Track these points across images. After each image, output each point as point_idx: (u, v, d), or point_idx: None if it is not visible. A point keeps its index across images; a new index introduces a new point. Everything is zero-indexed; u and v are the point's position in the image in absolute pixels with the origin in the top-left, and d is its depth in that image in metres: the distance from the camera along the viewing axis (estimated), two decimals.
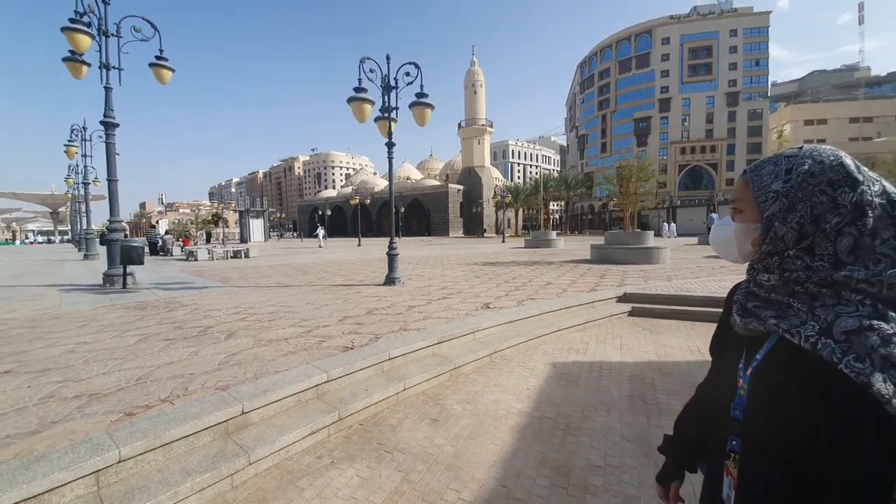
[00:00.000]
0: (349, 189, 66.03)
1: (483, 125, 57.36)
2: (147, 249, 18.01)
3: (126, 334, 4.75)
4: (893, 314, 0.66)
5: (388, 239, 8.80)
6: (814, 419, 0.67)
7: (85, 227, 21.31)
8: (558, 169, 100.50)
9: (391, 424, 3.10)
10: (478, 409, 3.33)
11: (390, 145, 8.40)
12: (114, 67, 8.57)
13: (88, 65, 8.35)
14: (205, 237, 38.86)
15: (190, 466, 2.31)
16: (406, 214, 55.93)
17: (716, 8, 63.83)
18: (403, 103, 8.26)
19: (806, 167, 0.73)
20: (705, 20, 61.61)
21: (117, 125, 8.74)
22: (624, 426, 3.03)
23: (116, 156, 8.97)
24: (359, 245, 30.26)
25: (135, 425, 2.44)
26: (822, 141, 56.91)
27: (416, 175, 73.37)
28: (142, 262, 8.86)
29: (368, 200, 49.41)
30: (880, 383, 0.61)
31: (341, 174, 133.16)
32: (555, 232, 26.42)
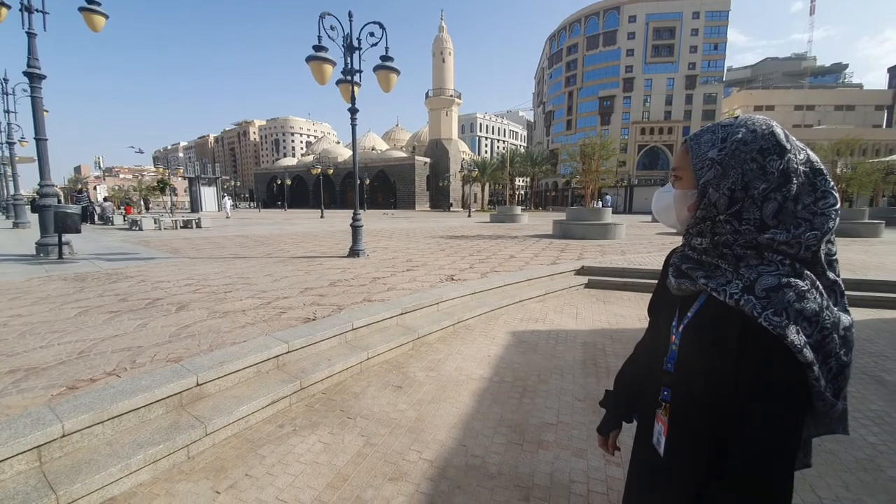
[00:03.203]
0: (310, 158, 63.11)
1: (451, 96, 56.06)
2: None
3: (65, 306, 4.42)
4: (809, 273, 0.73)
5: (352, 211, 8.58)
6: (736, 369, 0.74)
7: (13, 192, 19.19)
8: (525, 144, 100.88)
9: (354, 392, 3.13)
10: (440, 376, 3.43)
11: (353, 111, 8.05)
12: (37, 10, 7.60)
13: (8, 7, 7.35)
14: (143, 205, 36.03)
15: (142, 439, 2.24)
16: (371, 186, 54.61)
17: None
18: (367, 66, 7.91)
19: (740, 135, 0.76)
20: (670, 0, 62.43)
21: (43, 77, 7.83)
22: (576, 387, 3.23)
23: (45, 112, 8.05)
24: (321, 217, 29.36)
25: (79, 399, 2.32)
26: None
27: (381, 145, 71.23)
28: (79, 231, 8.16)
29: (331, 170, 47.44)
30: (794, 335, 0.67)
31: (301, 141, 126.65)
32: (520, 207, 26.84)
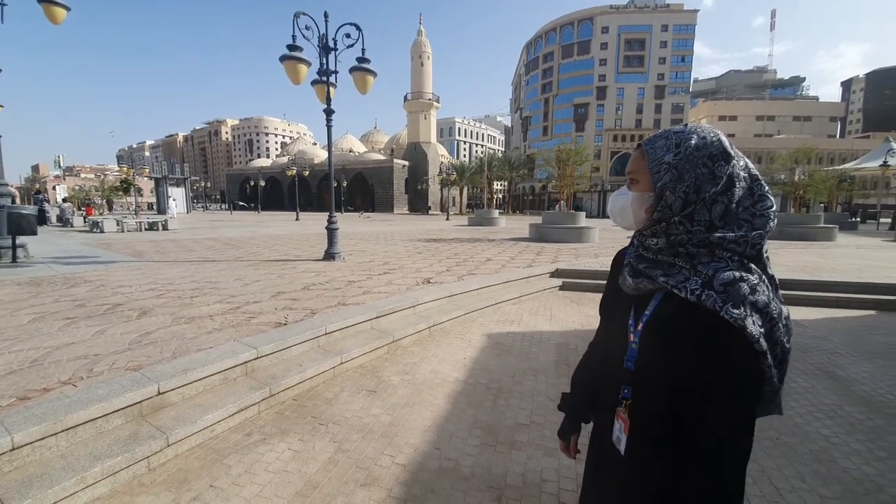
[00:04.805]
0: (286, 159, 61.70)
1: (430, 99, 56.22)
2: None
3: (18, 313, 4.16)
4: (755, 267, 0.79)
5: (328, 214, 8.46)
6: (696, 361, 0.77)
7: None
8: (503, 149, 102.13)
9: (327, 398, 3.08)
10: (415, 380, 3.41)
11: (329, 112, 7.95)
12: None
13: None
14: (106, 205, 34.29)
15: (99, 451, 2.13)
16: (349, 189, 53.78)
17: (651, 2, 67.32)
18: (343, 68, 7.83)
19: (693, 142, 0.81)
20: (641, 13, 64.76)
21: None
22: (549, 388, 3.28)
23: None
24: (296, 219, 28.75)
25: (30, 410, 2.19)
26: (732, 136, 63.60)
27: (359, 147, 70.57)
28: (34, 233, 7.71)
29: (307, 172, 46.40)
30: (752, 326, 0.73)
31: (276, 142, 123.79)
32: (497, 211, 27.12)
